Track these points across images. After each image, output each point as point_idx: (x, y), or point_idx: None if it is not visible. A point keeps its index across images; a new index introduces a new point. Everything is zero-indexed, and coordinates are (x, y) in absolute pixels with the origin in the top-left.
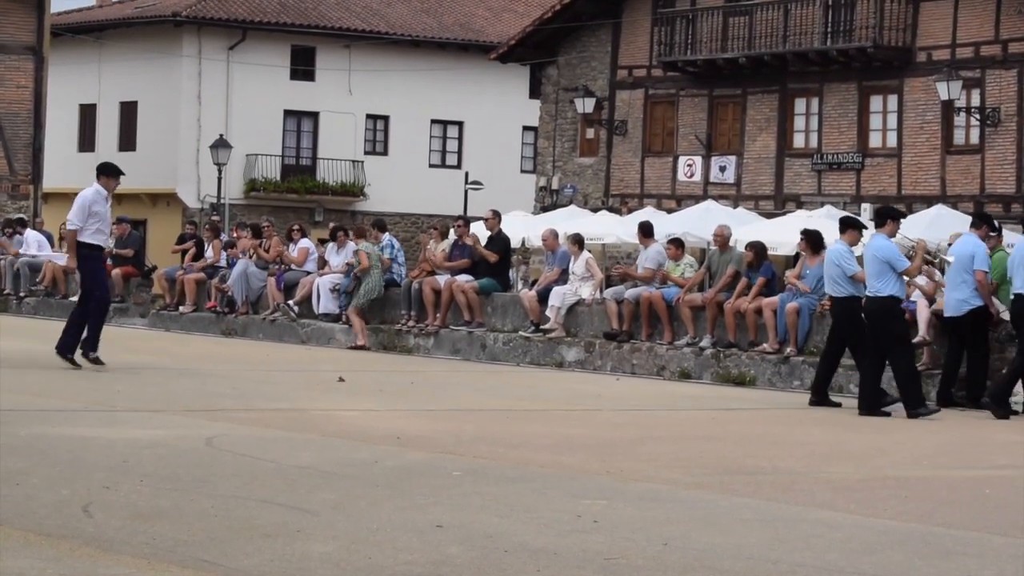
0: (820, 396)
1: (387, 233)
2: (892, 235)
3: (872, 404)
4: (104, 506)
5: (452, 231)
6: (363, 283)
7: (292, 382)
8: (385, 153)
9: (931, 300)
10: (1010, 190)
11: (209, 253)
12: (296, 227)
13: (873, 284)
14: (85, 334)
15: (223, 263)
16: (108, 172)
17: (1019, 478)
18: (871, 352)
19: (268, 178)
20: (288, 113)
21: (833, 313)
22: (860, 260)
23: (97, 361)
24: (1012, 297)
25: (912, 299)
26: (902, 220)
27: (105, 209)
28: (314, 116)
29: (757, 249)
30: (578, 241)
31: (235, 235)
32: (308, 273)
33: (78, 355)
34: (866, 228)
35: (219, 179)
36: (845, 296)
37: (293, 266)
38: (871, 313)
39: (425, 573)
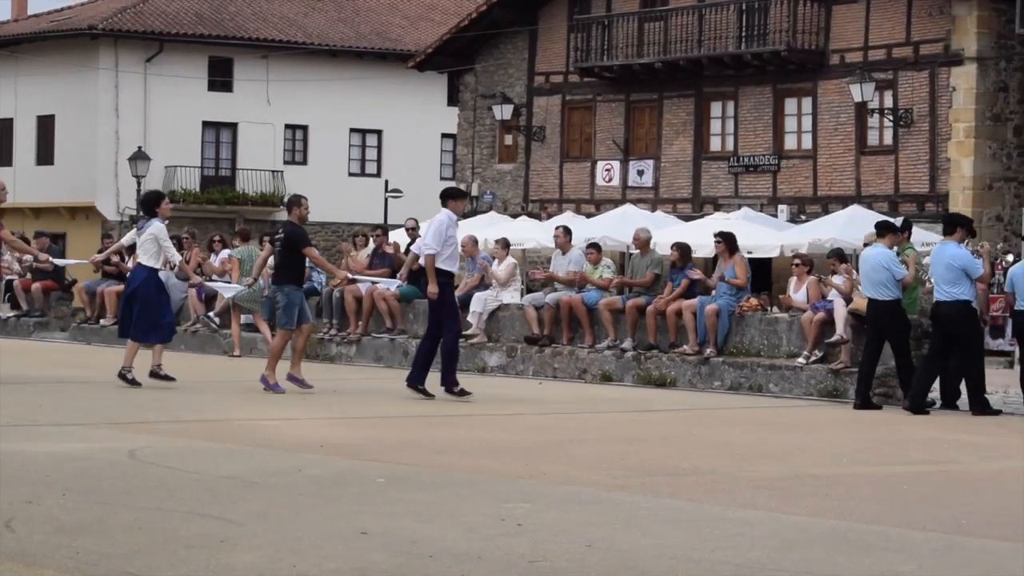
0: (864, 399)
1: None
2: (961, 241)
3: (920, 403)
4: (27, 520)
5: (371, 240)
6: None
7: (215, 393)
8: (304, 163)
9: (848, 299)
10: (924, 189)
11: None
12: (217, 238)
13: (949, 290)
14: (439, 365)
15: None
16: (457, 196)
17: (937, 473)
18: (936, 353)
19: (187, 189)
20: (206, 124)
21: (873, 316)
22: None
23: (462, 393)
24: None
25: (829, 299)
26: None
27: (456, 234)
28: (232, 127)
29: (682, 250)
30: (506, 246)
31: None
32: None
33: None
34: (903, 231)
35: (138, 191)
36: (892, 299)
37: (214, 277)
38: (947, 317)
39: None
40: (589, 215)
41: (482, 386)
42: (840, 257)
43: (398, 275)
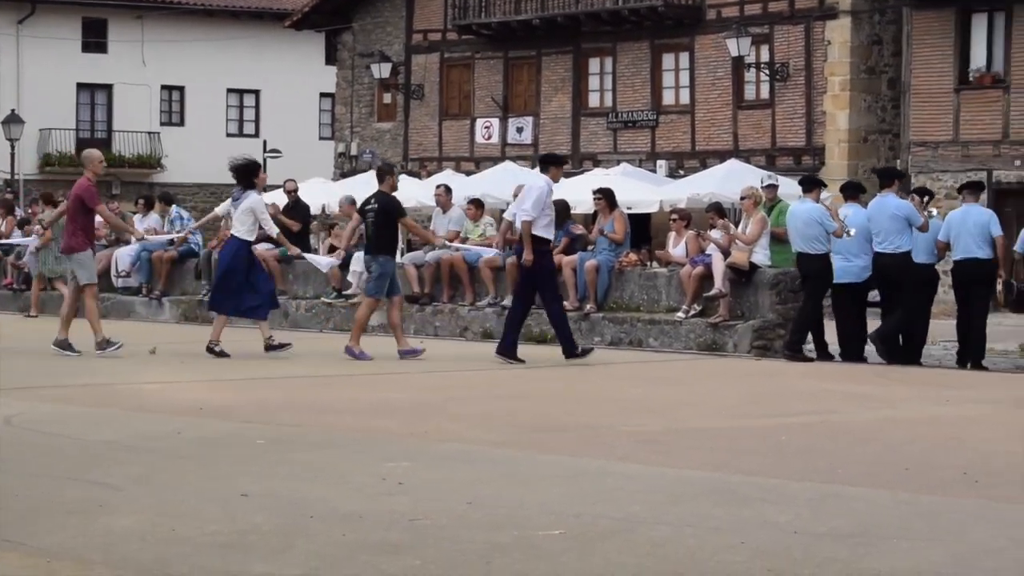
0: (796, 350)
1: (175, 205)
2: (896, 193)
3: (893, 352)
4: None
5: None
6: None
7: (93, 357)
8: (181, 124)
9: (726, 253)
10: (800, 143)
11: (2, 229)
12: None
13: (895, 241)
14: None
15: (16, 240)
16: (559, 162)
17: (816, 424)
18: (887, 306)
19: (63, 152)
20: (81, 86)
21: (805, 269)
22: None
23: (585, 352)
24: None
25: (707, 253)
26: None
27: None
28: (108, 89)
29: (559, 208)
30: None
31: (31, 212)
32: (105, 247)
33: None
34: (826, 186)
35: (12, 155)
36: (823, 253)
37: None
38: (890, 268)
39: (231, 542)
40: (469, 173)
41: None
42: (719, 211)
43: (494, 244)
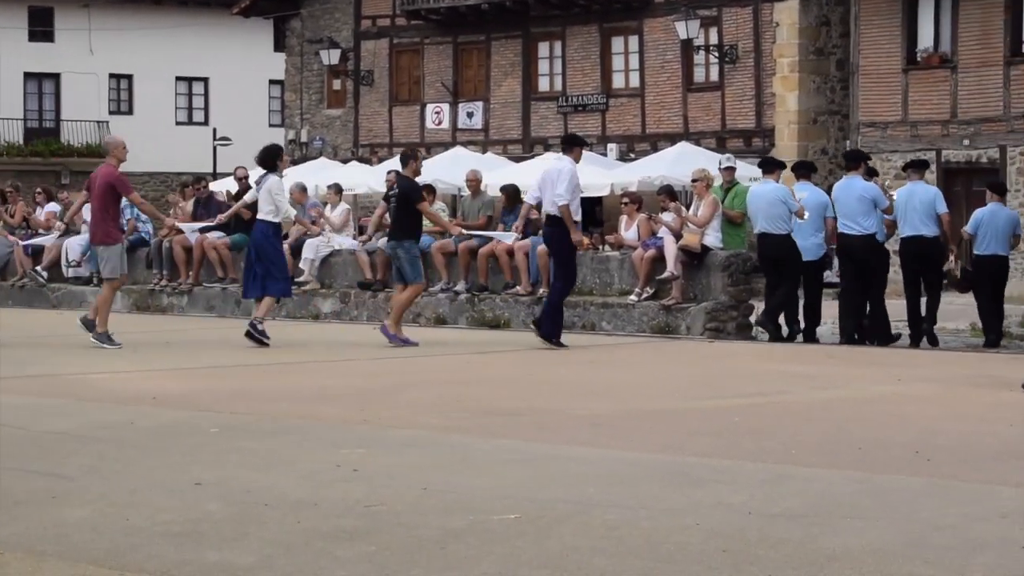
0: (775, 323)
1: None
2: (865, 175)
3: (853, 334)
4: None
5: (186, 191)
6: None
7: (44, 347)
8: (130, 112)
9: (678, 236)
10: (750, 125)
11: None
12: (39, 191)
13: (862, 222)
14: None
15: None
16: (583, 143)
17: (767, 405)
18: (849, 288)
19: (11, 142)
20: (28, 75)
21: (769, 249)
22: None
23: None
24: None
25: (659, 236)
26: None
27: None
28: (55, 77)
29: (510, 193)
30: (339, 191)
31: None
32: (56, 237)
33: None
34: (785, 167)
35: None
36: (787, 233)
37: (40, 231)
38: (855, 248)
39: (184, 531)
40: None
41: (316, 333)
42: (670, 194)
43: (513, 227)
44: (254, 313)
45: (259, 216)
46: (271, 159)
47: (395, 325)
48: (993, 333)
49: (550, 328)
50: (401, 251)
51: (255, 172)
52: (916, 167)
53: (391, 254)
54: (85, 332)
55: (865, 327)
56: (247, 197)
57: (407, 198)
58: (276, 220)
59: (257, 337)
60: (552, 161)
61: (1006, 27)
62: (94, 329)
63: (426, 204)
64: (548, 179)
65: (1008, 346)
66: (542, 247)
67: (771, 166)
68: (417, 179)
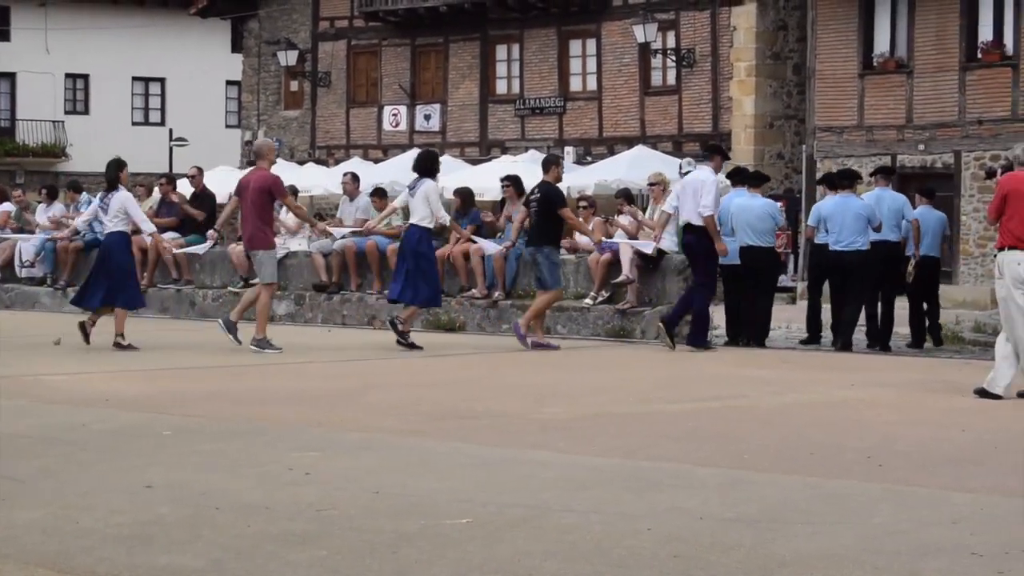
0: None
1: (84, 193)
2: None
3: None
4: None
5: (156, 189)
6: None
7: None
8: (86, 112)
9: (633, 240)
10: (707, 128)
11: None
12: None
13: (857, 239)
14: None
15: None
16: (722, 152)
17: (724, 409)
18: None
19: None
20: None
21: (752, 261)
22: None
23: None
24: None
25: (614, 239)
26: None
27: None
28: (11, 77)
29: (464, 195)
30: (295, 193)
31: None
32: (6, 238)
33: None
34: (729, 158)
35: None
36: (771, 246)
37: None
38: (848, 264)
39: (135, 534)
40: (377, 160)
41: (272, 335)
42: (627, 198)
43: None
44: (397, 314)
45: (412, 221)
46: (427, 165)
47: (532, 327)
48: (919, 335)
49: (696, 337)
50: (540, 256)
51: (211, 174)
52: (884, 173)
53: (530, 260)
54: (226, 334)
55: (874, 333)
56: (397, 202)
57: (549, 203)
58: (431, 227)
59: (407, 343)
60: (695, 173)
61: (961, 32)
62: (235, 331)
63: (567, 210)
64: (690, 189)
65: (961, 351)
66: (497, 251)
67: (757, 180)
68: (558, 184)
